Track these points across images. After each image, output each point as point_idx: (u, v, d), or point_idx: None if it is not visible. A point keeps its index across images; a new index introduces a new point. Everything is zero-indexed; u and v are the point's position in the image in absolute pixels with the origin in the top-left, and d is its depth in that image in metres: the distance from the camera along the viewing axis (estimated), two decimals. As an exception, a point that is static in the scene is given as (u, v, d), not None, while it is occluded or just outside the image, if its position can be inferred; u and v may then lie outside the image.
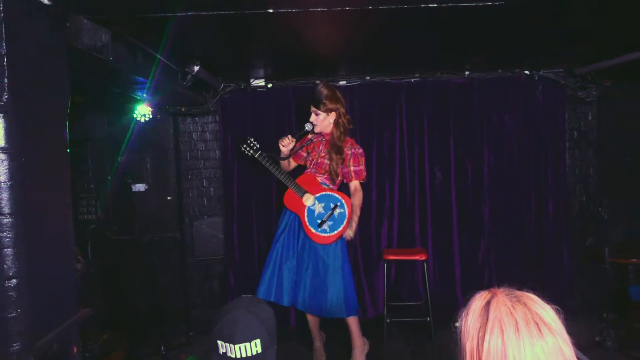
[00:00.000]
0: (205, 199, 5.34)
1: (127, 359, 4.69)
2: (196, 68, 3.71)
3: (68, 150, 1.99)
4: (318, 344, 4.37)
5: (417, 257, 4.80)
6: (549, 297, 4.43)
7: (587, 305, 5.23)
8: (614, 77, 4.86)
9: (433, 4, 2.09)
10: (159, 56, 3.11)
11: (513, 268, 5.16)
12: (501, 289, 1.30)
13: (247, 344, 1.68)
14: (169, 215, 5.25)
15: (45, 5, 1.76)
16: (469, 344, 1.25)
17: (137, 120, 4.72)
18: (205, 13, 2.15)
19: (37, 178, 1.75)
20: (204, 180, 5.33)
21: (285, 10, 2.11)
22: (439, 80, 5.06)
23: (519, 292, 1.28)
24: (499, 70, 5.00)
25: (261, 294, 4.04)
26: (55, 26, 1.90)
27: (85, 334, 3.40)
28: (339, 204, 4.03)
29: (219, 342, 1.69)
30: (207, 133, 5.30)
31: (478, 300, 1.29)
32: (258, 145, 4.09)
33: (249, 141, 4.10)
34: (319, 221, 4.01)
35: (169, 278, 5.24)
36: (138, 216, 5.15)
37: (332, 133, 4.07)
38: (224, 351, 1.68)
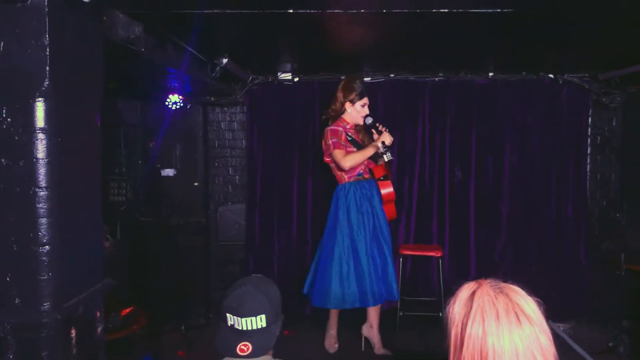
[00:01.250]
0: (230, 187, 5.53)
1: (148, 334, 4.94)
2: (224, 60, 3.88)
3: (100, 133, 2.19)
4: (333, 331, 4.48)
5: (432, 254, 4.90)
6: (564, 299, 4.51)
7: (604, 310, 5.25)
8: (641, 83, 4.86)
9: (444, 9, 2.20)
10: (188, 48, 3.29)
11: (529, 268, 5.20)
12: (487, 280, 1.38)
13: (253, 318, 1.82)
14: (195, 201, 5.47)
15: (84, 2, 1.95)
16: (454, 330, 1.33)
17: (168, 108, 4.93)
18: (229, 11, 2.32)
19: (70, 156, 1.94)
20: (230, 169, 5.51)
21: (304, 11, 2.26)
22: (462, 80, 5.13)
23: (503, 284, 1.36)
24: (523, 73, 5.05)
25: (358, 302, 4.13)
26: (93, 20, 2.09)
27: (109, 306, 3.61)
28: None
29: (228, 314, 1.84)
30: (235, 123, 5.49)
31: (465, 290, 1.37)
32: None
33: (386, 147, 4.08)
34: None
35: (193, 260, 5.43)
36: (166, 200, 5.40)
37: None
38: (232, 323, 1.82)
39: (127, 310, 3.84)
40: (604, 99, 5.10)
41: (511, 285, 1.36)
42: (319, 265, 4.28)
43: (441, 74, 5.11)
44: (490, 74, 5.06)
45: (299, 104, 5.23)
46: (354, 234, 4.10)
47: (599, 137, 5.34)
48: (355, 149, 4.09)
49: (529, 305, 1.30)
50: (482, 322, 1.27)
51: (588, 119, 5.23)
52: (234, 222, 5.46)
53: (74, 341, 1.91)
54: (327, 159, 4.20)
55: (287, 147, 5.25)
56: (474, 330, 1.27)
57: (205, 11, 2.31)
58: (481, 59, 4.63)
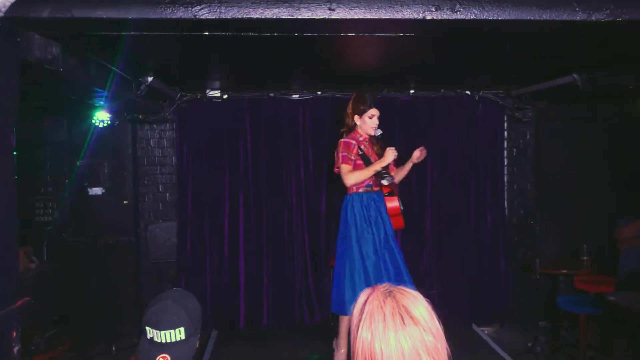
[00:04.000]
0: (160, 204, 5.51)
1: (78, 357, 4.83)
2: (150, 79, 3.90)
3: (15, 153, 2.19)
4: (344, 350, 4.27)
5: (362, 264, 5.04)
6: (487, 304, 4.73)
7: (524, 313, 5.56)
8: (548, 99, 5.20)
9: (351, 33, 2.36)
10: (111, 67, 3.30)
11: (453, 277, 5.45)
12: (382, 285, 1.43)
13: (172, 331, 1.87)
14: (124, 219, 5.41)
15: (-5, 25, 1.98)
16: (352, 334, 1.40)
17: (96, 126, 4.88)
18: (146, 33, 2.38)
19: (-18, 178, 1.95)
20: (160, 186, 5.50)
21: (220, 34, 2.35)
22: (386, 97, 5.34)
23: (395, 287, 1.41)
24: (442, 90, 5.32)
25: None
26: (5, 42, 2.10)
27: (33, 329, 3.55)
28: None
29: (147, 327, 1.88)
30: (165, 140, 5.49)
31: (361, 297, 1.42)
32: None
33: (382, 173, 4.04)
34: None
35: (123, 280, 5.37)
36: (94, 219, 5.32)
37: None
38: (151, 336, 1.87)
39: (52, 332, 3.75)
40: (517, 114, 5.44)
41: (402, 288, 1.41)
42: (334, 274, 4.26)
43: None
44: (412, 91, 5.30)
45: (229, 121, 5.29)
46: (365, 242, 4.06)
47: (514, 150, 5.68)
48: (363, 163, 4.07)
49: (416, 306, 1.36)
50: (370, 326, 1.33)
51: (504, 133, 5.57)
52: (165, 240, 5.43)
53: (-13, 362, 1.90)
54: (336, 170, 4.12)
55: (218, 164, 5.30)
56: (363, 334, 1.33)
57: (123, 33, 2.36)
58: (403, 77, 4.85)
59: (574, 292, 5.03)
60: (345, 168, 3.98)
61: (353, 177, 3.99)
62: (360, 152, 4.09)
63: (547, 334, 4.97)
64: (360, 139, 4.13)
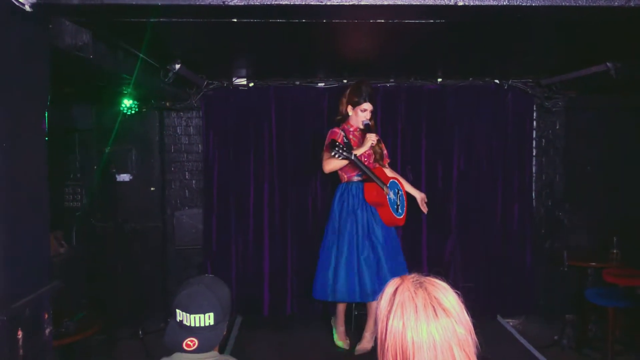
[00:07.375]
0: (187, 191, 5.56)
1: (105, 340, 4.93)
2: (177, 66, 3.92)
3: (47, 138, 2.22)
4: (342, 328, 4.56)
5: (386, 253, 5.03)
6: (513, 296, 4.69)
7: (551, 306, 5.50)
8: (579, 89, 5.09)
9: (380, 19, 2.33)
10: (140, 54, 3.33)
11: (479, 267, 5.39)
12: (410, 276, 1.43)
13: (202, 315, 1.91)
14: (151, 205, 5.49)
15: (28, 11, 2.00)
16: (380, 325, 1.39)
17: (124, 113, 4.93)
18: (175, 20, 2.39)
19: (16, 161, 1.98)
20: (187, 173, 5.55)
21: (248, 20, 2.35)
22: (413, 86, 5.29)
23: (424, 278, 1.41)
24: (470, 79, 5.24)
25: (341, 297, 4.21)
26: (38, 28, 2.13)
27: (63, 312, 3.62)
28: (399, 187, 4.33)
29: (178, 310, 1.92)
30: (191, 128, 5.53)
31: (390, 287, 1.42)
32: (346, 148, 4.00)
33: (337, 144, 3.94)
34: (396, 206, 4.26)
35: (150, 265, 5.46)
36: (122, 205, 5.40)
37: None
38: (181, 319, 1.91)
39: (82, 315, 3.83)
40: (546, 104, 5.34)
41: (432, 279, 1.41)
42: (318, 260, 4.37)
43: (392, 80, 5.26)
44: (439, 79, 5.23)
45: (255, 109, 5.30)
46: (344, 231, 4.17)
47: (543, 140, 5.59)
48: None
49: (447, 298, 1.36)
50: (401, 316, 1.33)
51: (532, 123, 5.47)
52: (191, 227, 5.49)
53: (20, 342, 1.94)
54: None
55: (243, 152, 5.32)
56: (394, 324, 1.34)
57: (152, 20, 2.37)
58: (430, 65, 4.79)
59: (602, 285, 4.94)
60: (325, 155, 4.05)
61: (329, 165, 4.05)
62: (346, 141, 4.10)
63: (574, 327, 4.91)
64: (351, 129, 4.22)
